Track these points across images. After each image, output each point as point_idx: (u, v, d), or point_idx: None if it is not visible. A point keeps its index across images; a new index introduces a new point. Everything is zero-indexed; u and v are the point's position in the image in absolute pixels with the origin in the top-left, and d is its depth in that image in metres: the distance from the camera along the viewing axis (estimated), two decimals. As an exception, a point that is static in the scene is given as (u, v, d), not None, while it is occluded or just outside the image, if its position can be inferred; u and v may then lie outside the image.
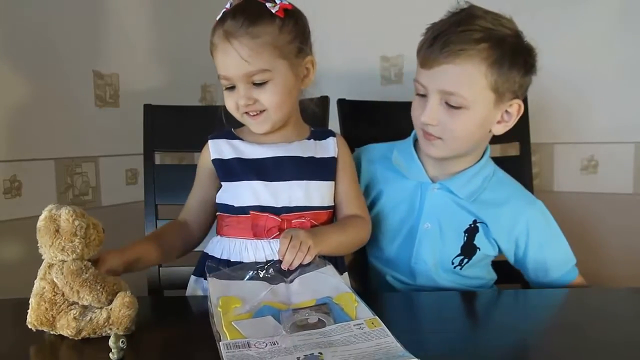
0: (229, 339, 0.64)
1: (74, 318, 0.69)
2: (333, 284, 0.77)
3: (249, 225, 0.88)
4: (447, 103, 0.88)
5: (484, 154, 0.99)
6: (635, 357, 0.64)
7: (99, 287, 0.70)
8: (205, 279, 0.82)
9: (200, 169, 0.97)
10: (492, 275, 1.04)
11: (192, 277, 0.94)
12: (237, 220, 0.90)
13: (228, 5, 0.88)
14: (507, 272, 1.06)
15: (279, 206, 0.88)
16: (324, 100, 1.24)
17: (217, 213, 0.95)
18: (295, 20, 0.89)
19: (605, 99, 1.37)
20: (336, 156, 0.94)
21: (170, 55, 1.54)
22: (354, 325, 0.66)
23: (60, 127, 1.30)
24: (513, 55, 0.87)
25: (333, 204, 0.94)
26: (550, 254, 0.96)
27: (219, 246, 0.92)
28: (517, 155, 1.22)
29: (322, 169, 0.92)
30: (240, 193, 0.90)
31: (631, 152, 1.36)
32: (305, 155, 0.92)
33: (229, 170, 0.92)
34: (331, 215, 0.95)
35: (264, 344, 0.62)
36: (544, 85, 1.40)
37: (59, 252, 0.71)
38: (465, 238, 0.96)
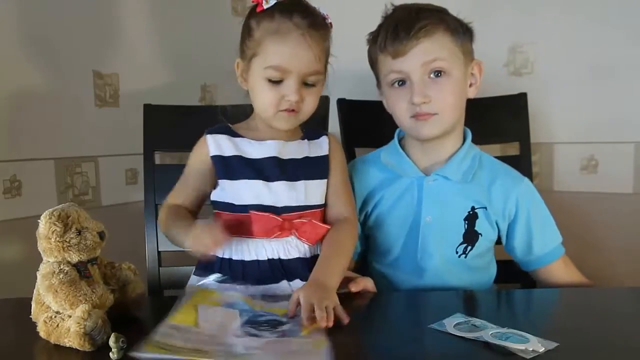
0: (172, 321, 0.67)
1: (44, 321, 0.70)
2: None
3: (250, 225, 0.88)
4: (430, 76, 0.93)
5: (465, 137, 1.02)
6: (636, 357, 0.64)
7: (62, 295, 0.68)
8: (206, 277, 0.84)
9: (196, 162, 0.94)
10: (494, 270, 1.05)
11: (193, 277, 0.94)
12: (238, 219, 0.89)
13: None
14: (507, 271, 1.07)
15: (279, 206, 0.89)
16: (325, 100, 1.25)
17: (215, 211, 0.94)
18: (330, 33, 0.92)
19: (605, 98, 1.37)
20: (328, 154, 0.95)
21: (170, 55, 1.54)
22: (299, 341, 0.66)
23: (60, 127, 1.30)
24: (457, 22, 0.97)
25: None
26: (536, 229, 1.00)
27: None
28: (517, 155, 1.22)
29: (317, 168, 0.93)
30: (241, 192, 0.89)
31: (631, 151, 1.36)
32: (301, 155, 0.93)
33: (229, 168, 0.91)
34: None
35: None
36: (543, 85, 1.41)
37: (41, 253, 0.73)
38: (466, 225, 0.98)
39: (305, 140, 0.95)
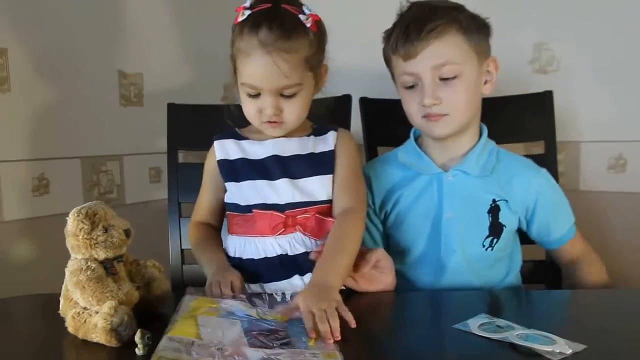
0: (174, 334, 0.64)
1: (72, 317, 0.71)
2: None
3: (255, 223, 0.90)
4: (441, 79, 0.93)
5: (481, 132, 1.02)
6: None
7: (89, 291, 0.69)
8: None
9: (208, 171, 0.99)
10: (517, 259, 1.05)
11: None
12: (244, 219, 0.92)
13: (247, 4, 0.87)
14: (533, 272, 1.05)
15: (282, 203, 0.90)
16: (346, 99, 1.24)
17: (227, 212, 0.96)
18: (320, 32, 0.90)
19: (634, 96, 1.34)
20: (334, 149, 0.94)
21: (193, 54, 1.55)
22: (308, 353, 0.62)
23: (85, 127, 1.33)
24: (473, 19, 0.95)
25: None
26: (554, 216, 1.02)
27: (231, 245, 0.94)
28: (542, 153, 1.20)
29: (321, 164, 0.93)
30: (246, 192, 0.92)
31: (662, 150, 1.32)
32: (304, 152, 0.93)
33: (233, 171, 0.93)
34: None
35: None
36: (570, 82, 1.38)
37: (69, 250, 0.73)
38: (490, 218, 0.98)
39: (312, 136, 0.95)
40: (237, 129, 0.98)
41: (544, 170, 1.03)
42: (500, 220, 0.98)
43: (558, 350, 0.63)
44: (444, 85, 0.93)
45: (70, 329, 0.71)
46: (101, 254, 0.73)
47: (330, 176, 0.92)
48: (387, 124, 1.24)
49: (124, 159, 1.42)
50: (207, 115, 1.24)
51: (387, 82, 1.05)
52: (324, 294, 0.75)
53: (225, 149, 0.96)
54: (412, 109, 0.98)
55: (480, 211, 0.98)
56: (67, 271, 0.73)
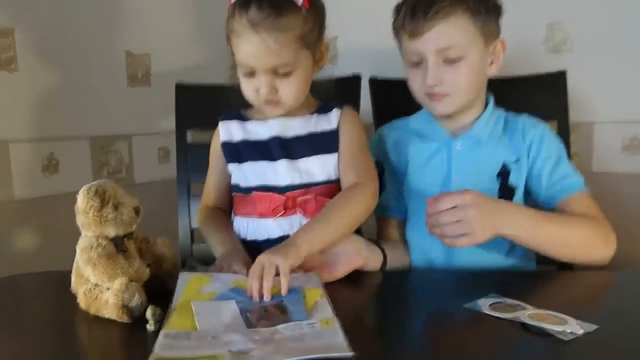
0: (169, 329, 0.62)
1: (84, 293, 0.71)
2: (307, 280, 0.77)
3: (256, 205, 0.90)
4: (445, 61, 0.93)
5: (487, 102, 1.02)
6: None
7: (100, 268, 0.69)
8: None
9: (213, 153, 0.99)
10: None
11: None
12: (246, 200, 0.92)
13: None
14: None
15: (282, 185, 0.89)
16: (355, 80, 1.23)
17: (233, 194, 0.97)
18: (317, 8, 0.88)
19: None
20: (337, 127, 0.93)
21: (201, 34, 1.54)
22: (306, 325, 0.63)
23: (93, 107, 1.33)
24: (482, 1, 0.94)
25: None
26: (554, 167, 0.98)
27: (236, 226, 0.94)
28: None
29: (323, 143, 0.92)
30: (247, 174, 0.92)
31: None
32: (305, 132, 0.92)
33: (235, 153, 0.94)
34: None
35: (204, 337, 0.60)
36: (584, 62, 1.35)
37: (79, 227, 0.74)
38: (500, 180, 0.98)
39: (315, 114, 0.94)
40: (242, 110, 0.98)
41: (546, 125, 1.03)
42: (510, 182, 0.98)
43: (569, 330, 0.63)
44: (447, 67, 0.93)
45: (82, 305, 0.72)
46: (111, 232, 0.73)
47: (331, 156, 0.92)
48: (397, 105, 1.21)
49: (132, 138, 1.42)
50: (215, 95, 1.24)
51: (397, 61, 1.03)
52: (284, 248, 0.76)
53: (229, 130, 0.95)
54: (415, 86, 0.99)
55: (489, 175, 0.98)
56: (77, 248, 0.73)
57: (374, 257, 0.91)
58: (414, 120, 1.06)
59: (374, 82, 1.26)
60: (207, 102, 1.23)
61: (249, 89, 0.89)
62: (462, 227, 0.81)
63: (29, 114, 1.21)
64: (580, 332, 0.63)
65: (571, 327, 0.63)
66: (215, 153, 0.98)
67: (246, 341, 0.59)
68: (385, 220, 1.07)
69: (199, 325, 0.63)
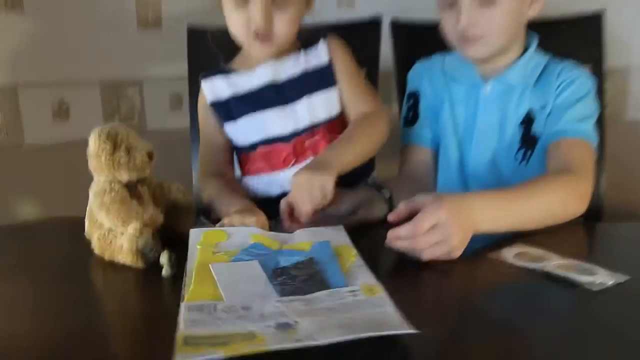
0: (192, 300, 0.54)
1: (98, 238, 0.70)
2: (335, 235, 0.70)
3: (264, 160, 0.86)
4: (480, 1, 0.89)
5: (529, 46, 0.97)
6: None
7: (114, 212, 0.68)
8: None
9: (202, 114, 0.93)
10: None
11: None
12: (253, 158, 0.88)
13: None
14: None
15: (287, 133, 0.86)
16: (374, 25, 1.16)
17: (235, 155, 0.93)
18: None
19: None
20: (328, 60, 0.89)
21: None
22: (347, 292, 0.55)
23: (102, 50, 1.30)
24: None
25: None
26: (562, 108, 0.91)
27: (246, 186, 0.91)
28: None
29: (319, 79, 0.88)
30: (246, 130, 0.88)
31: None
32: (298, 71, 0.88)
33: (227, 111, 0.89)
34: (346, 121, 0.90)
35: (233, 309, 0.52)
36: (620, 2, 1.26)
37: (92, 171, 0.72)
38: (523, 129, 0.95)
39: (301, 52, 0.89)
40: (222, 64, 0.92)
41: (588, 75, 0.95)
42: (533, 131, 0.94)
43: (599, 281, 0.60)
44: (481, 8, 0.89)
45: (97, 251, 0.71)
46: (124, 176, 0.71)
47: (331, 90, 0.88)
48: (422, 52, 1.13)
49: (143, 84, 1.39)
50: (229, 39, 1.19)
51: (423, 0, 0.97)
52: (319, 166, 0.74)
53: (214, 88, 0.90)
54: (449, 28, 0.94)
55: (513, 123, 0.95)
56: (90, 192, 0.72)
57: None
58: (449, 60, 1.03)
59: (396, 26, 1.20)
60: (220, 46, 1.18)
61: (239, 22, 0.83)
62: (442, 247, 0.67)
63: (37, 57, 1.19)
64: (611, 282, 0.60)
65: (601, 278, 0.61)
66: (205, 116, 0.92)
67: (282, 313, 0.51)
68: (416, 150, 1.04)
69: (224, 293, 0.55)
